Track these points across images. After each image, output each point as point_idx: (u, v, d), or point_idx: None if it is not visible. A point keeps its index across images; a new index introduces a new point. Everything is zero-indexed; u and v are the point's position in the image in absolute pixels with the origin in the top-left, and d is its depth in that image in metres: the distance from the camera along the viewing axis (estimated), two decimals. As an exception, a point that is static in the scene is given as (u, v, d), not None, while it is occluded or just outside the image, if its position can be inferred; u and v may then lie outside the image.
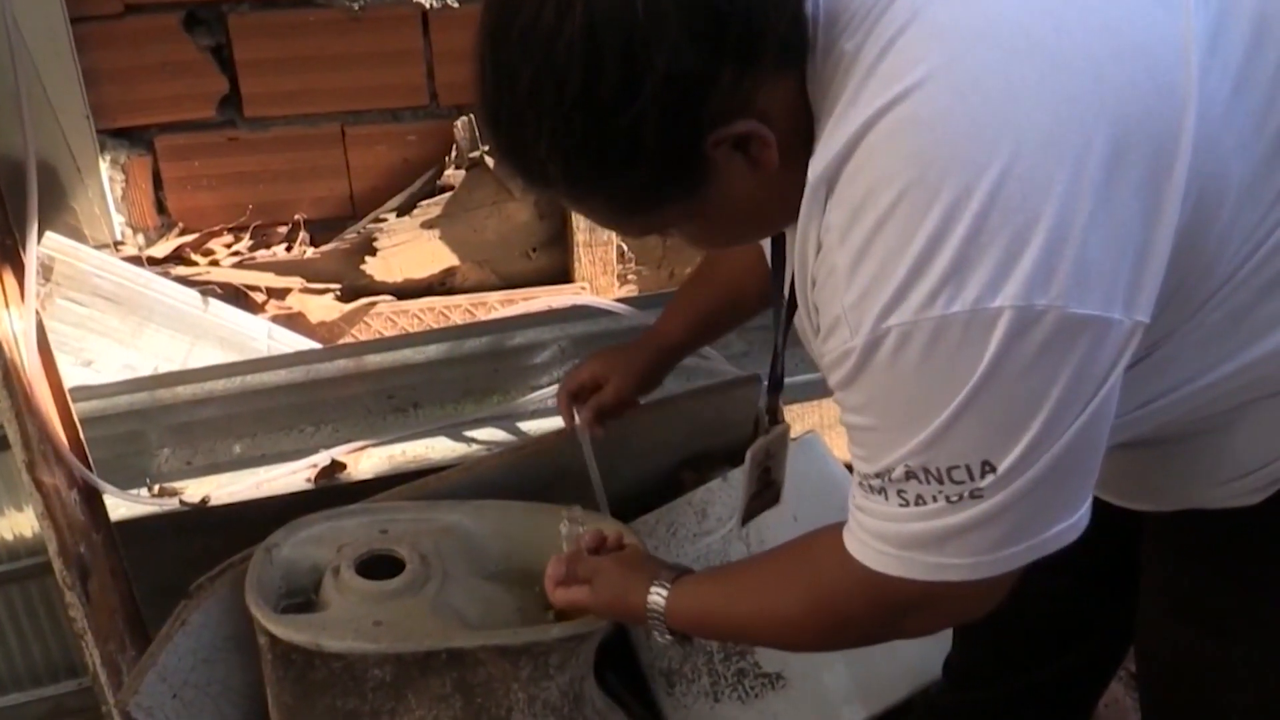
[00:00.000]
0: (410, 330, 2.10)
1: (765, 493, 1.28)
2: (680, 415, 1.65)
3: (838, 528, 0.89)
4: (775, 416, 1.25)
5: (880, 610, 0.87)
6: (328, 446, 1.72)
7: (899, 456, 0.77)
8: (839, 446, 1.93)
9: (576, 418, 1.42)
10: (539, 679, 1.23)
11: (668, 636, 1.06)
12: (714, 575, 1.08)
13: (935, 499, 0.78)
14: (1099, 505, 1.00)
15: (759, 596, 0.98)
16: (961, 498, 0.77)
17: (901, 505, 0.80)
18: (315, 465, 1.69)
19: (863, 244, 0.74)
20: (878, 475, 0.80)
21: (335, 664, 1.18)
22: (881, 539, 0.83)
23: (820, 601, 0.91)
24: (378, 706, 1.21)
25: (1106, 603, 1.33)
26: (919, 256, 0.71)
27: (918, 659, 1.63)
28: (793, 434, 1.85)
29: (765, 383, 1.28)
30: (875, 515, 0.83)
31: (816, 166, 0.77)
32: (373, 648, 1.15)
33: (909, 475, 0.78)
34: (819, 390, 1.94)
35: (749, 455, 1.22)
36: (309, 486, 1.66)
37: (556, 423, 1.82)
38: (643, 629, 1.16)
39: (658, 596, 1.05)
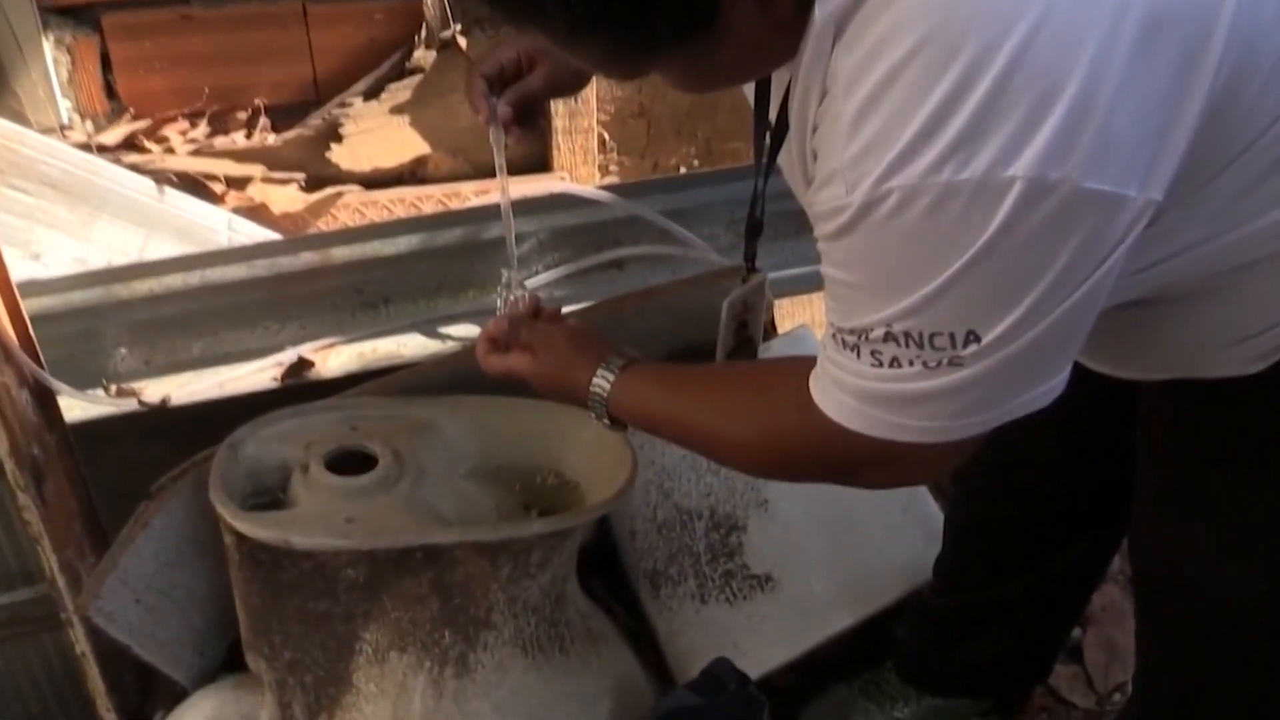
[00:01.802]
0: (379, 221, 2.07)
1: (742, 349, 1.29)
2: (665, 307, 1.64)
3: (803, 365, 0.91)
4: (752, 265, 1.26)
5: (834, 460, 0.90)
6: (294, 344, 1.71)
7: (880, 318, 0.77)
8: (831, 343, 1.92)
9: (493, 109, 1.19)
10: (519, 578, 1.23)
11: (605, 421, 1.12)
12: (665, 377, 1.10)
13: (911, 363, 0.78)
14: (1094, 393, 1.01)
15: (709, 414, 1.01)
16: (939, 364, 0.78)
17: (874, 365, 0.80)
18: (281, 363, 1.68)
19: (870, 96, 0.72)
20: (853, 332, 0.80)
21: (305, 563, 1.18)
22: (847, 392, 0.84)
23: (772, 437, 0.95)
24: (351, 608, 1.22)
25: (1100, 498, 1.35)
26: (931, 117, 0.69)
27: (909, 560, 1.65)
28: (783, 328, 1.86)
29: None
30: (844, 369, 0.83)
31: (826, 4, 0.75)
32: (345, 544, 1.15)
33: (887, 338, 0.78)
34: (811, 284, 1.93)
35: (725, 306, 1.23)
36: (275, 386, 1.65)
37: (535, 318, 1.82)
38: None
39: (603, 381, 1.09)
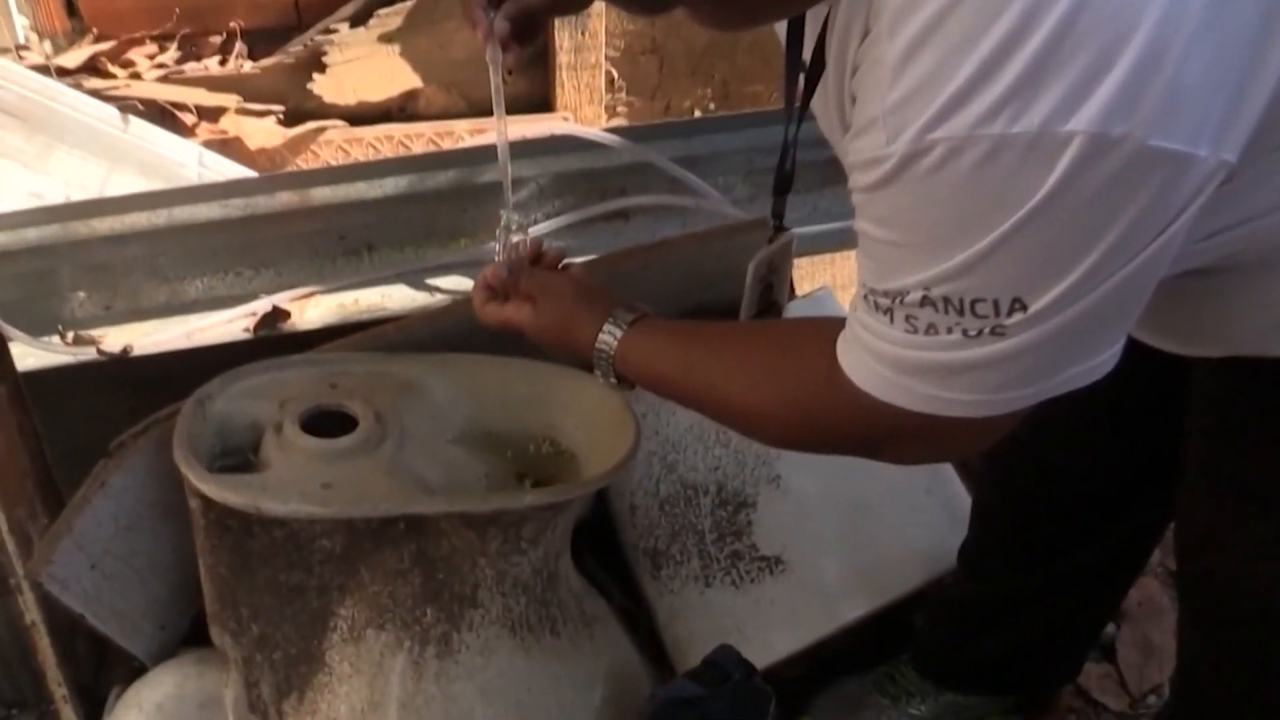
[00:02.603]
0: (364, 161, 2.06)
1: (766, 314, 1.29)
2: (674, 265, 1.63)
3: (830, 327, 0.91)
4: (780, 222, 1.25)
5: (861, 431, 0.90)
6: (269, 292, 1.70)
7: (918, 280, 0.76)
8: (854, 307, 1.92)
9: (491, 23, 1.15)
10: (509, 553, 1.23)
11: (612, 380, 1.13)
12: (678, 334, 1.11)
13: (950, 330, 0.78)
14: (1141, 368, 1.00)
15: (725, 376, 1.02)
16: (980, 333, 0.77)
17: (908, 331, 0.80)
18: (254, 313, 1.68)
19: (917, 37, 0.70)
20: (887, 294, 0.79)
21: (277, 531, 1.17)
22: (878, 359, 0.84)
23: (794, 403, 0.95)
24: (325, 581, 1.22)
25: (1142, 483, 1.34)
26: (985, 62, 0.68)
27: (931, 545, 1.65)
28: (803, 290, 1.85)
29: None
30: (876, 334, 0.83)
31: None
32: (320, 511, 1.15)
33: (925, 302, 0.77)
34: (835, 243, 1.92)
35: (750, 268, 1.22)
36: (247, 337, 1.65)
37: (532, 270, 1.81)
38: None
39: (609, 337, 1.10)
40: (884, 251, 0.79)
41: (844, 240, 1.94)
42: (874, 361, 0.84)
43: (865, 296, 0.83)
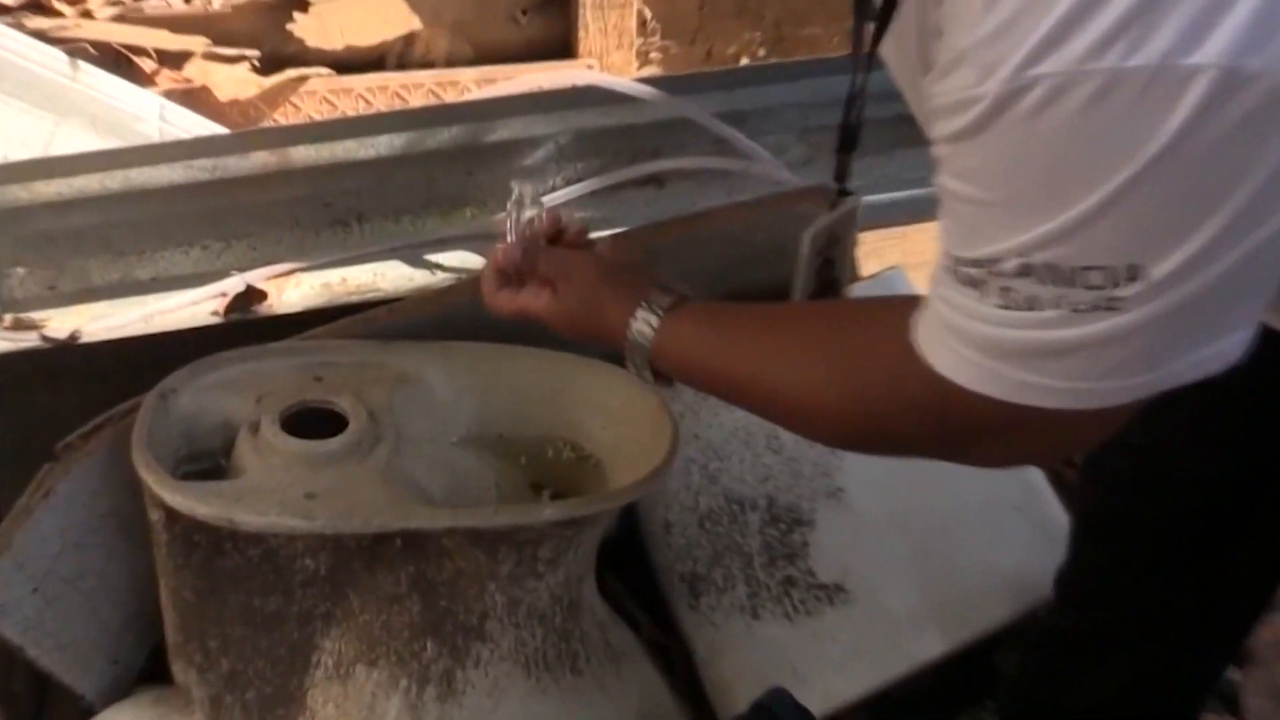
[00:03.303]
0: (354, 116, 2.07)
1: (824, 293, 1.28)
2: (717, 239, 1.63)
3: (903, 306, 0.90)
4: (843, 187, 1.25)
5: (939, 426, 0.88)
6: (242, 269, 1.71)
7: (1015, 245, 0.76)
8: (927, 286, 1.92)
9: None
10: (523, 578, 1.24)
11: (647, 375, 1.12)
12: (724, 318, 1.10)
13: (1054, 305, 0.77)
14: (1275, 360, 0.99)
15: (781, 364, 1.01)
16: (1090, 307, 0.76)
17: (1002, 307, 0.79)
18: (224, 294, 1.68)
19: None
20: (977, 264, 0.78)
21: (252, 550, 1.18)
22: (965, 341, 0.82)
23: (861, 394, 0.94)
24: (308, 608, 1.22)
25: (1273, 497, 1.33)
26: None
27: (1022, 571, 1.64)
28: (869, 269, 1.85)
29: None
30: (963, 311, 0.82)
31: None
32: (304, 524, 1.15)
33: (1024, 271, 0.76)
34: (906, 213, 1.92)
35: (806, 239, 1.22)
36: (216, 321, 1.66)
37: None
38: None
39: (644, 325, 1.09)
40: (973, 213, 0.78)
41: (918, 211, 1.94)
42: (959, 343, 0.83)
43: (950, 268, 0.82)
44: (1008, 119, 0.72)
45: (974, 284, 0.80)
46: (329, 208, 1.75)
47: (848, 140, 1.18)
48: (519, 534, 1.20)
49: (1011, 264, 0.77)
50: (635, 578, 1.63)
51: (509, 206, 1.20)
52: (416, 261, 1.75)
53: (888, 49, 0.94)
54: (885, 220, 1.92)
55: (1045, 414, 0.82)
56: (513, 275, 1.18)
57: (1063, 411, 0.81)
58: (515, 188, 1.20)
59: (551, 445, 1.38)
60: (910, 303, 0.89)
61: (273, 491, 1.19)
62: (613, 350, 1.13)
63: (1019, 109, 0.71)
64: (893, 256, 2.03)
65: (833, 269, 1.25)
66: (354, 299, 1.68)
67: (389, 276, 1.73)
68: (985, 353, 0.82)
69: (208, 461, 1.30)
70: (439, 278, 1.73)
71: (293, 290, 1.70)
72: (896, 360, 0.88)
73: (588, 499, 1.24)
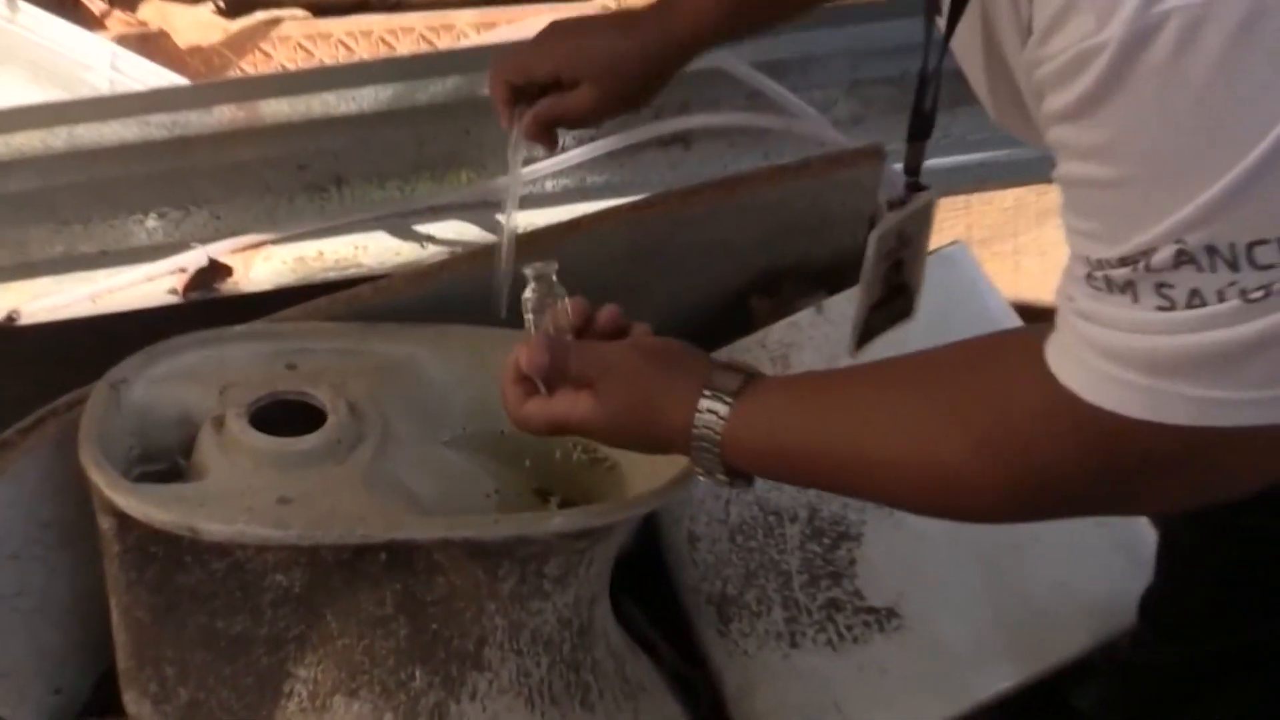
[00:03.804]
0: (333, 65, 2.06)
1: (894, 302, 1.27)
2: (754, 208, 1.63)
3: (1028, 335, 0.87)
4: (915, 181, 1.23)
5: (1110, 472, 0.84)
6: (204, 241, 1.72)
7: (1168, 229, 0.73)
8: (997, 267, 1.91)
9: (516, 119, 1.41)
10: (527, 598, 1.23)
11: (720, 476, 1.07)
12: (810, 390, 1.06)
13: (1223, 296, 0.74)
14: None
15: (897, 428, 0.95)
16: (1266, 293, 0.74)
17: (1162, 308, 0.76)
18: (184, 269, 1.69)
19: None
20: (1125, 261, 0.76)
21: (216, 563, 1.18)
22: (1123, 362, 0.79)
23: (1007, 450, 0.88)
24: (280, 631, 1.22)
25: None
26: None
27: (1102, 595, 1.63)
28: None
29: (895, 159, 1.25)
30: (1112, 325, 0.79)
31: None
32: (275, 535, 1.15)
33: (1181, 260, 0.74)
34: (970, 180, 1.91)
35: (873, 240, 1.20)
36: (175, 300, 1.66)
37: (558, 214, 1.81)
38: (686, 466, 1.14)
39: (711, 415, 1.03)
40: (1110, 200, 0.76)
41: (983, 176, 1.93)
42: (1115, 366, 0.80)
43: (1088, 276, 0.80)
44: (1140, 69, 0.70)
45: (1123, 287, 0.77)
46: (304, 170, 1.76)
47: (922, 126, 1.15)
48: (522, 547, 1.20)
49: (1165, 253, 0.74)
50: (656, 600, 1.62)
51: (524, 299, 1.18)
52: (405, 232, 1.76)
53: (962, 32, 0.93)
54: (946, 187, 1.91)
55: (1233, 436, 0.78)
56: (540, 382, 1.14)
57: (1256, 430, 0.78)
58: (529, 274, 1.18)
59: (560, 445, 1.38)
60: (1031, 334, 0.87)
61: (240, 496, 1.19)
62: (674, 452, 1.08)
63: (1151, 54, 0.69)
64: (956, 229, 2.03)
65: (901, 273, 1.23)
66: (332, 275, 1.69)
67: (373, 250, 1.74)
68: (1151, 371, 0.78)
69: (165, 461, 1.30)
70: (430, 251, 1.73)
71: (262, 265, 1.70)
72: (1040, 401, 0.85)
73: (602, 507, 1.23)
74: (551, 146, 1.41)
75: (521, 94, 1.38)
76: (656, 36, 1.36)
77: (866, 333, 1.27)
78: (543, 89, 1.37)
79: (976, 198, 2.06)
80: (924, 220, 1.24)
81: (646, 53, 1.36)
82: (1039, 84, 0.77)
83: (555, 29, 1.38)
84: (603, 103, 1.37)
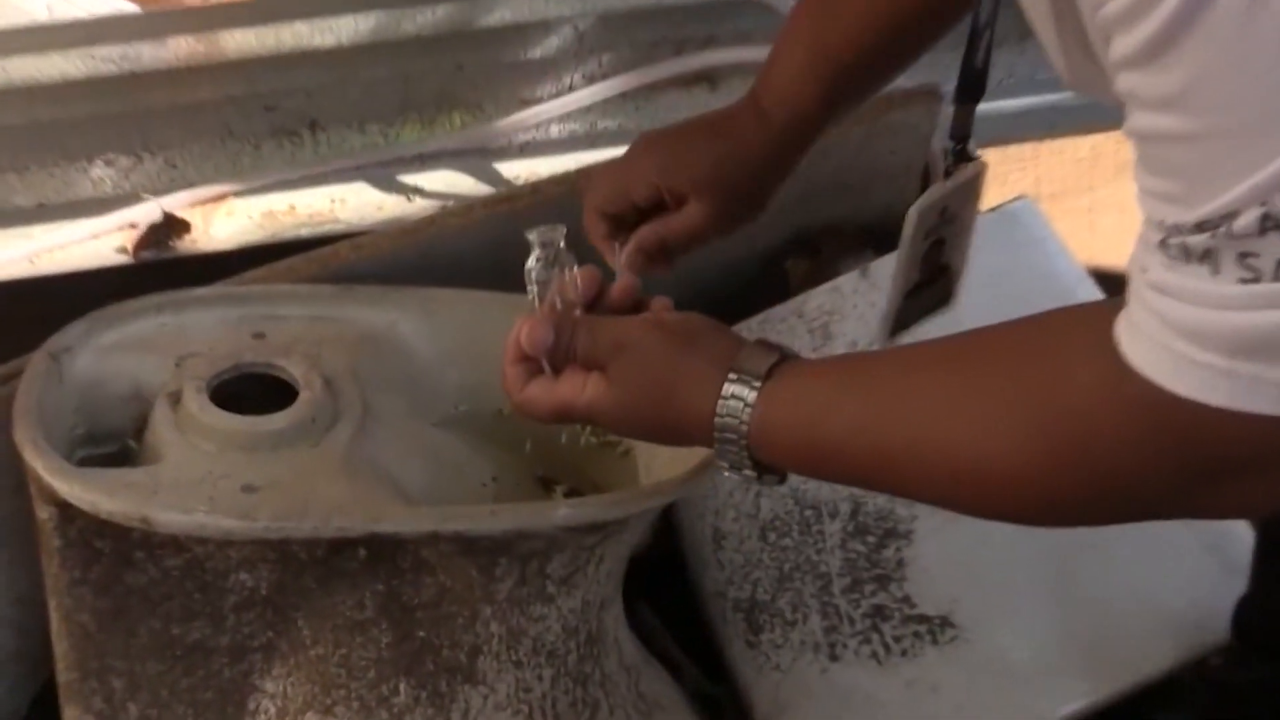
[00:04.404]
0: (304, -9, 2.06)
1: (933, 285, 1.27)
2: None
3: (1094, 311, 0.87)
4: (963, 150, 1.22)
5: (1187, 469, 0.84)
6: (158, 192, 1.72)
7: (1251, 189, 0.73)
8: (1070, 226, 1.91)
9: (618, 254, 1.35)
10: (528, 601, 1.24)
11: (748, 471, 1.06)
12: (847, 370, 1.06)
13: None
14: None
15: (945, 415, 0.95)
16: None
17: (1246, 280, 0.75)
18: (134, 224, 1.70)
19: None
20: (1203, 227, 0.76)
21: (171, 560, 1.18)
22: (1203, 342, 0.79)
23: (1064, 437, 0.88)
24: (244, 639, 1.23)
25: None
26: None
27: (1190, 607, 1.64)
28: (990, 200, 1.84)
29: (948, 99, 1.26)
30: (1188, 299, 0.79)
31: None
32: (240, 527, 1.15)
33: (1268, 225, 0.73)
34: (1037, 127, 1.91)
35: (913, 216, 1.20)
36: (124, 260, 1.67)
37: (563, 163, 1.81)
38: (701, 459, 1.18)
39: (736, 402, 1.03)
40: (1187, 156, 0.76)
41: (1054, 122, 1.93)
42: (1189, 346, 0.80)
43: (1163, 244, 0.79)
44: (1216, 6, 0.71)
45: (1202, 257, 0.77)
46: (272, 112, 1.76)
47: (972, 86, 1.15)
48: (523, 543, 1.20)
49: (1249, 218, 0.74)
50: (675, 606, 1.63)
51: (527, 268, 1.18)
52: (389, 184, 1.76)
53: None
54: (1011, 134, 1.92)
55: None
56: (545, 362, 1.14)
57: None
58: (532, 239, 1.18)
59: (566, 428, 1.38)
60: (1099, 309, 0.87)
61: (199, 483, 1.19)
62: (695, 443, 1.07)
63: None
64: (1021, 184, 2.03)
65: (943, 252, 1.23)
66: (305, 232, 1.69)
67: (351, 203, 1.74)
68: (1234, 353, 0.78)
69: (113, 444, 1.31)
70: (417, 205, 1.73)
71: (224, 220, 1.71)
72: (1107, 387, 0.85)
73: (614, 496, 1.24)
74: (665, 270, 1.35)
75: (621, 223, 1.34)
76: (757, 133, 1.33)
77: (900, 321, 1.27)
78: (642, 213, 1.34)
79: (1046, 146, 2.05)
80: (971, 195, 1.24)
81: (750, 153, 1.33)
82: (1104, 24, 0.77)
83: (647, 142, 1.35)
84: (713, 219, 1.33)
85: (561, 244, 1.16)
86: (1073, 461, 0.89)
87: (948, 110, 1.51)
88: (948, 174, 1.25)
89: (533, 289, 1.16)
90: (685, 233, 1.31)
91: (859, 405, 1.01)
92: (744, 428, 1.03)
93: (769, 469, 1.06)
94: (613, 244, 1.33)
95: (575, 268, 1.16)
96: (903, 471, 0.99)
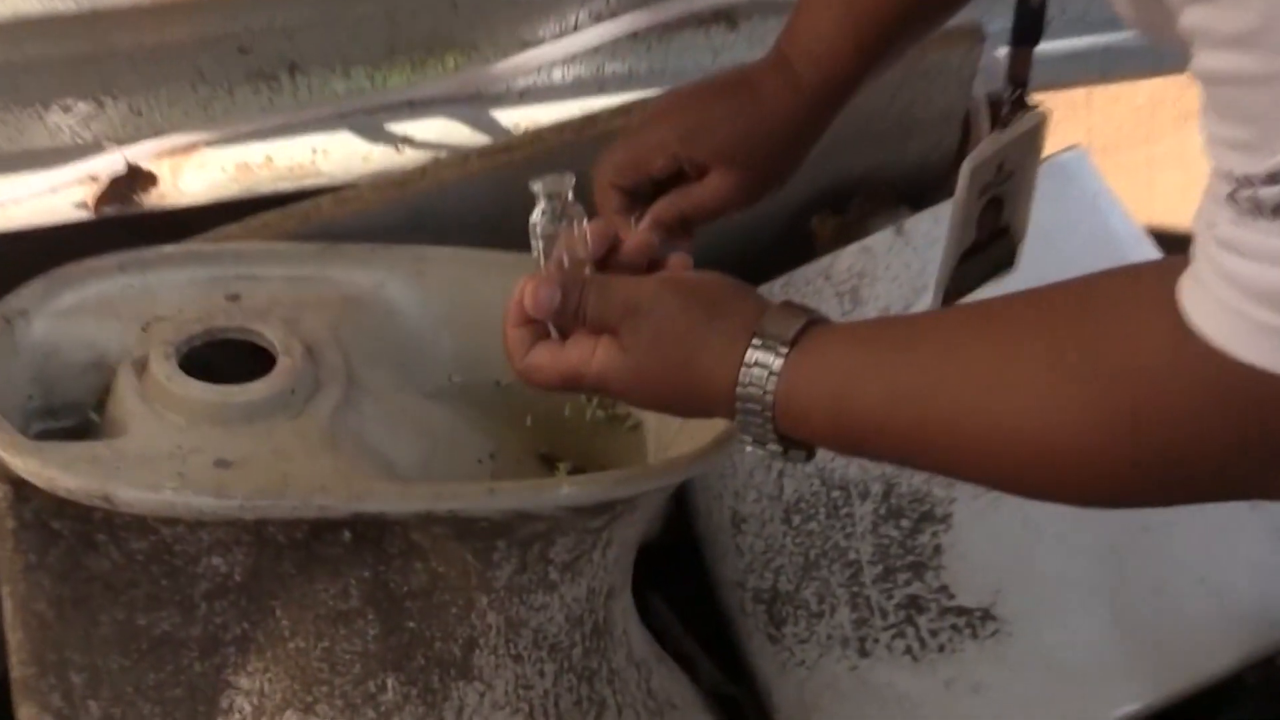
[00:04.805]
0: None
1: (991, 247, 1.27)
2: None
3: (1159, 271, 0.87)
4: (1021, 98, 1.22)
5: (1247, 440, 0.84)
6: (122, 142, 1.72)
7: None
8: (1126, 181, 1.91)
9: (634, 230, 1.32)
10: (529, 590, 1.24)
11: (773, 446, 1.06)
12: (880, 333, 1.06)
13: None
14: None
15: (993, 385, 0.94)
16: None
17: None
18: (95, 176, 1.70)
19: None
20: (1275, 178, 0.76)
21: (137, 543, 1.19)
22: (1269, 303, 0.79)
23: (1120, 407, 0.88)
24: (216, 631, 1.24)
25: None
26: None
27: (1257, 600, 1.64)
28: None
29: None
30: (1260, 257, 0.79)
31: None
32: (213, 505, 1.14)
33: None
34: (1093, 69, 1.91)
35: (967, 170, 1.19)
36: (84, 216, 1.68)
37: (568, 109, 1.81)
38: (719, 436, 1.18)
39: (760, 370, 1.02)
40: (1261, 101, 0.76)
41: (1109, 65, 1.93)
42: (1260, 309, 0.79)
43: (1232, 197, 0.79)
44: None
45: (1275, 212, 0.78)
46: (246, 55, 1.75)
47: (1029, 27, 1.14)
48: (524, 525, 1.20)
49: None
50: (689, 597, 1.63)
51: (532, 222, 1.17)
52: (376, 133, 1.76)
53: None
54: (1061, 79, 1.91)
55: None
56: (551, 325, 1.13)
57: None
58: (537, 190, 1.17)
59: (571, 400, 1.38)
60: (1161, 267, 0.87)
61: (168, 458, 1.19)
62: (715, 414, 1.07)
63: None
64: (1073, 134, 2.02)
65: (1001, 214, 1.23)
66: (284, 186, 1.69)
67: (334, 154, 1.74)
68: None
69: (73, 416, 1.31)
70: (407, 156, 1.73)
71: (195, 173, 1.71)
72: (1170, 353, 0.84)
73: (623, 474, 1.23)
74: (685, 246, 1.32)
75: (636, 197, 1.33)
76: (786, 97, 1.32)
77: (955, 288, 1.26)
78: (659, 186, 1.33)
79: (1100, 92, 2.05)
80: (1030, 147, 1.23)
81: (778, 119, 1.33)
82: None
83: (663, 109, 1.35)
84: (738, 190, 1.33)
85: (570, 195, 1.15)
86: (1131, 433, 0.88)
87: (991, 53, 1.51)
88: (1004, 124, 1.25)
89: (537, 244, 1.15)
90: (707, 206, 1.31)
91: (896, 373, 1.00)
92: (768, 398, 1.02)
93: (795, 444, 1.05)
94: (627, 219, 1.31)
95: (585, 221, 1.15)
96: (945, 446, 0.98)
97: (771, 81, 1.31)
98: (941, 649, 1.60)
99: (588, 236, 1.14)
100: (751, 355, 1.02)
